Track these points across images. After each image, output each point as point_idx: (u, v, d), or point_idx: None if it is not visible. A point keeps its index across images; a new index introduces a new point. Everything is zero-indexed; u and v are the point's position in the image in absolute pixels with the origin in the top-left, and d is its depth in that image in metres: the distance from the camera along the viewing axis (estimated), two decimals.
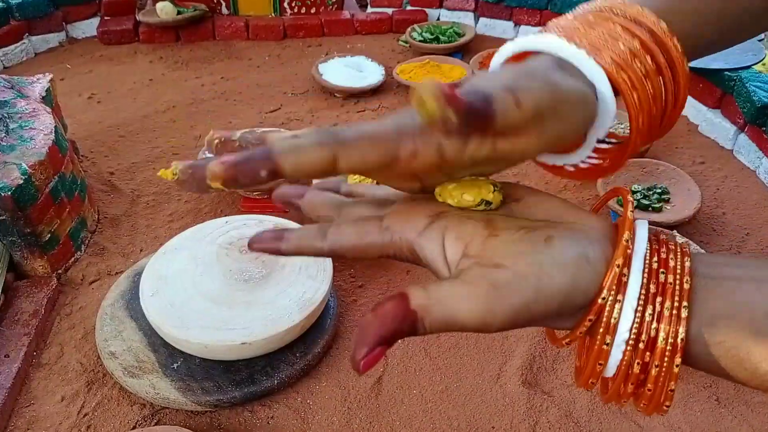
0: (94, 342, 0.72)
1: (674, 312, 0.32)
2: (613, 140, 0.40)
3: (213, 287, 0.70)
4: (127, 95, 1.21)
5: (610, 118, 0.38)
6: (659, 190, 0.92)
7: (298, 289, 0.70)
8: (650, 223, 0.85)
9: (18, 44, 1.33)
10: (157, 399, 0.64)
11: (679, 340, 0.32)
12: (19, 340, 0.70)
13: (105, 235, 0.87)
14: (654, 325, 0.31)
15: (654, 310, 0.32)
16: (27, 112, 0.83)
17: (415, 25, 1.40)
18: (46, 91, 0.89)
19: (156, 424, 0.65)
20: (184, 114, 1.15)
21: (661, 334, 0.32)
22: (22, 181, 0.72)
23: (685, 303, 0.32)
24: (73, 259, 0.82)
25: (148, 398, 0.65)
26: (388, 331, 0.29)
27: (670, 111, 0.40)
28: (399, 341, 0.55)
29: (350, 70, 1.22)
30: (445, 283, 0.31)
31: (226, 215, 0.91)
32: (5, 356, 0.68)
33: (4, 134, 0.79)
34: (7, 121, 0.81)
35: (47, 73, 0.91)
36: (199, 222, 0.88)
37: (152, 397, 0.64)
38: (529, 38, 0.38)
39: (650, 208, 0.89)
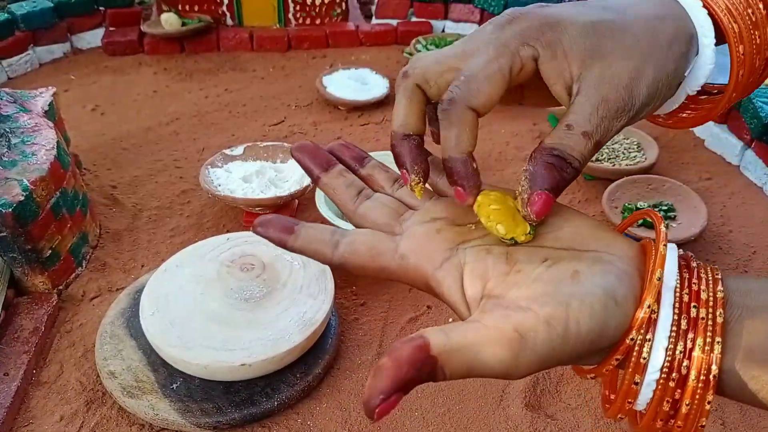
0: (93, 360, 0.72)
1: (707, 348, 0.31)
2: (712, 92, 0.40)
3: (214, 306, 0.69)
4: (131, 107, 1.20)
5: (706, 73, 0.39)
6: (665, 207, 0.91)
7: (299, 308, 0.69)
8: None
9: (23, 55, 1.33)
10: (156, 420, 0.64)
11: (711, 377, 0.31)
12: (19, 358, 0.70)
13: (106, 250, 0.87)
14: (685, 363, 0.31)
15: (685, 347, 0.31)
16: (29, 126, 0.83)
17: (420, 37, 1.40)
18: (49, 105, 0.89)
19: None
20: (188, 126, 1.15)
21: (693, 372, 0.30)
22: (23, 198, 0.72)
23: (718, 338, 0.31)
24: (74, 275, 0.82)
25: (147, 419, 0.64)
26: (405, 377, 0.27)
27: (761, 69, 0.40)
28: None
29: (354, 82, 1.22)
30: (467, 327, 0.30)
31: (228, 230, 0.90)
32: (4, 374, 0.68)
33: (6, 150, 0.78)
34: (9, 136, 0.80)
35: (50, 87, 0.91)
36: (201, 237, 0.88)
37: (151, 418, 0.64)
38: None
39: None
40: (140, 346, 0.70)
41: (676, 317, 0.31)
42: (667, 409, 0.32)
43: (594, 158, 1.01)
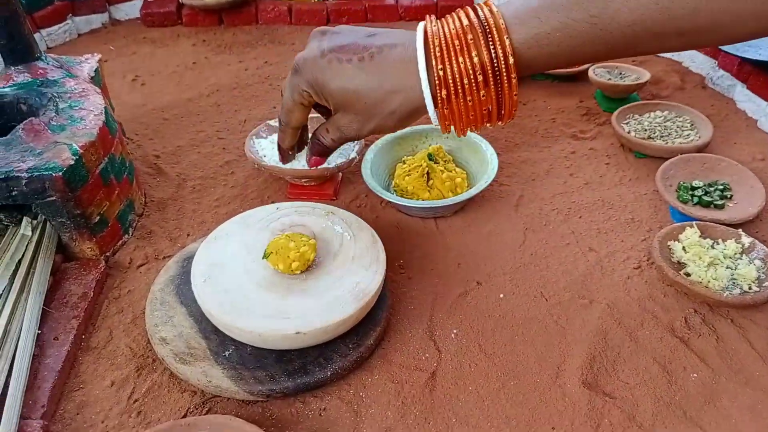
0: (143, 327, 0.71)
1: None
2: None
3: (266, 274, 0.68)
4: (171, 78, 1.19)
5: (434, 116, 0.56)
6: (721, 187, 0.88)
7: (352, 279, 0.68)
8: (713, 221, 0.82)
9: (61, 25, 1.33)
10: (209, 387, 0.63)
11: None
12: (68, 323, 0.69)
13: (152, 218, 0.86)
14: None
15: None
16: (77, 92, 0.82)
17: None
18: (95, 71, 0.88)
19: (207, 412, 0.63)
20: (228, 98, 1.14)
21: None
22: (73, 162, 0.71)
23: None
24: (120, 242, 0.81)
25: (200, 386, 0.63)
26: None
27: (496, 113, 0.56)
28: (453, 337, 0.63)
29: None
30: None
31: (273, 201, 0.89)
32: (54, 339, 0.68)
33: (54, 114, 0.78)
34: (57, 100, 0.80)
35: (95, 54, 0.90)
36: (246, 208, 0.87)
37: (204, 385, 0.63)
38: (418, 31, 0.54)
39: (712, 205, 0.85)
40: (191, 313, 0.69)
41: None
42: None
43: (646, 136, 0.98)
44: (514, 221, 0.87)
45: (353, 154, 0.89)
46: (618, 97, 1.11)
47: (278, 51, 1.31)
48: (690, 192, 0.87)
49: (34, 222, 0.77)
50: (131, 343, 0.70)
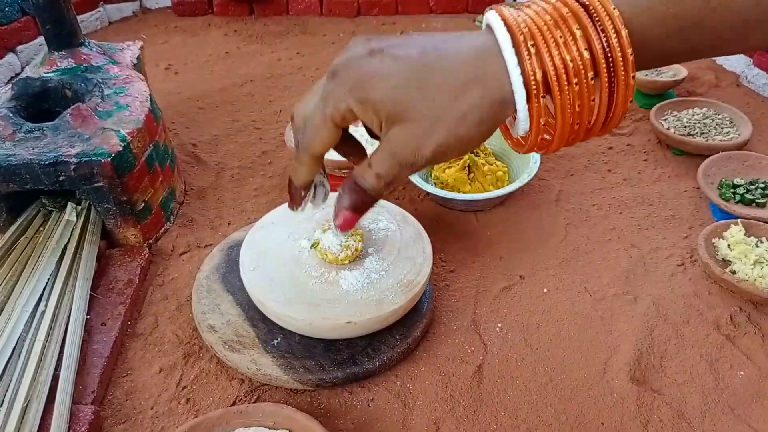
0: (188, 314, 0.72)
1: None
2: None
3: (313, 263, 0.68)
4: (204, 67, 1.19)
5: (521, 130, 0.44)
6: (762, 185, 0.87)
7: (399, 270, 0.67)
8: (755, 219, 0.81)
9: (93, 12, 1.33)
10: (258, 375, 0.63)
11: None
12: (115, 309, 0.70)
13: (192, 206, 0.86)
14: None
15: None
16: (121, 78, 0.82)
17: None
18: (137, 58, 0.88)
19: (256, 400, 0.63)
20: (262, 88, 1.13)
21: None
22: (121, 148, 0.71)
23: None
24: (163, 229, 0.81)
25: (249, 374, 0.63)
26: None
27: (600, 122, 0.45)
28: (498, 330, 0.65)
29: None
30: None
31: None
32: (102, 324, 0.68)
33: (99, 100, 0.78)
34: (102, 86, 0.80)
35: (136, 41, 0.90)
36: (284, 197, 0.87)
37: (253, 373, 0.63)
38: (489, 14, 0.43)
39: (754, 203, 0.84)
40: (237, 301, 0.69)
41: None
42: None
43: (686, 133, 0.98)
44: (555, 216, 0.87)
45: None
46: (655, 94, 1.10)
47: (310, 42, 1.31)
48: (732, 190, 0.86)
49: (79, 208, 0.77)
50: (177, 330, 0.70)
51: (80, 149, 0.70)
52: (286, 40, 1.31)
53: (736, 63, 1.23)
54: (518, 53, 0.41)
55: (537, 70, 0.41)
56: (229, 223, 0.84)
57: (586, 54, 0.41)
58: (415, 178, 0.85)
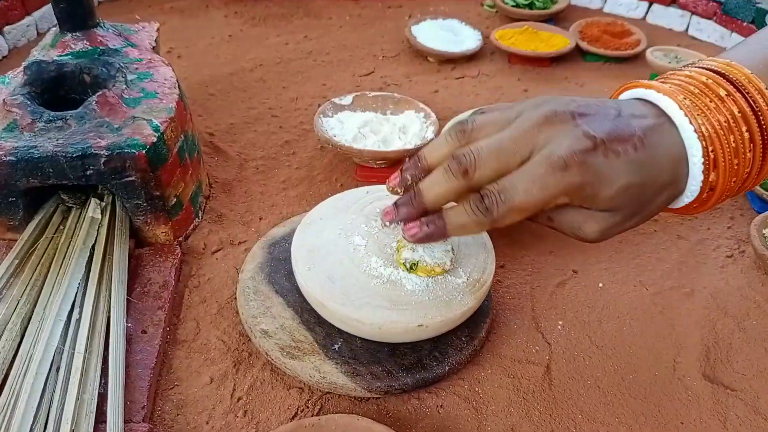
0: (231, 318, 0.67)
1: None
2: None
3: (372, 263, 0.63)
4: (208, 51, 1.13)
5: (692, 193, 0.46)
6: None
7: (463, 268, 0.64)
8: None
9: None
10: (322, 383, 0.59)
11: None
12: (154, 314, 0.64)
13: (219, 201, 0.80)
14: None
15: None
16: (143, 62, 0.76)
17: None
18: (155, 40, 0.81)
19: (320, 410, 0.59)
20: (273, 73, 1.08)
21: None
22: (155, 139, 0.65)
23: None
24: (192, 226, 0.76)
25: (312, 382, 0.59)
26: None
27: (753, 179, 0.47)
28: (559, 328, 0.65)
29: (445, 33, 1.15)
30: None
31: (342, 185, 0.85)
32: (142, 332, 0.62)
33: (124, 86, 0.71)
34: (125, 71, 0.73)
35: (152, 22, 0.83)
36: (314, 190, 0.82)
37: (316, 381, 0.59)
38: (660, 99, 0.46)
39: None
40: (289, 304, 0.65)
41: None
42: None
43: None
44: None
45: (430, 135, 0.84)
46: None
47: (316, 25, 1.25)
48: None
49: (103, 204, 0.70)
50: (222, 335, 0.65)
51: (111, 140, 0.64)
52: (291, 23, 1.25)
53: None
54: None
55: (711, 156, 0.44)
56: (260, 218, 0.79)
57: (738, 115, 0.44)
58: None
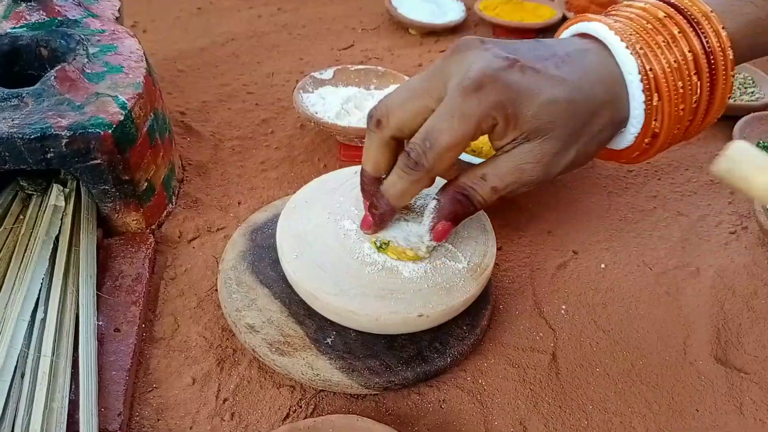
0: (212, 311, 0.61)
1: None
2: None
3: (364, 248, 0.58)
4: (176, 25, 1.05)
5: (628, 141, 0.46)
6: None
7: (463, 252, 0.59)
8: None
9: None
10: (315, 381, 0.54)
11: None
12: (128, 310, 0.58)
13: (194, 184, 0.74)
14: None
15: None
16: (106, 34, 0.69)
17: None
18: (119, 10, 0.75)
19: (314, 410, 0.54)
20: (246, 48, 1.01)
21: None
22: (122, 117, 0.59)
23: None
24: (166, 212, 0.70)
25: (304, 379, 0.54)
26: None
27: (699, 120, 0.48)
28: (563, 313, 0.59)
29: (427, 4, 1.10)
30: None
31: (324, 164, 0.80)
32: (115, 330, 0.57)
33: (86, 60, 0.65)
34: (85, 44, 0.66)
35: None
36: (296, 171, 0.77)
37: (309, 379, 0.54)
38: (593, 26, 0.45)
39: None
40: (276, 295, 0.60)
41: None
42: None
43: None
44: (593, 184, 0.81)
45: None
46: None
47: None
48: None
49: (66, 190, 0.64)
50: (203, 331, 0.60)
51: (73, 120, 0.58)
52: None
53: None
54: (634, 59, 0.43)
55: (650, 76, 0.43)
56: (239, 203, 0.73)
57: (689, 56, 0.43)
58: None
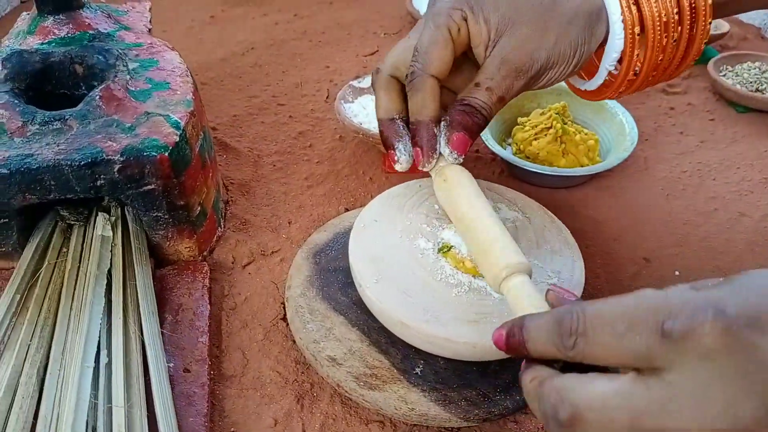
0: (281, 343, 0.57)
1: None
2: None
3: (445, 269, 0.54)
4: (190, 35, 1.00)
5: (617, 47, 0.46)
6: None
7: (551, 267, 0.56)
8: None
9: None
10: (410, 416, 0.50)
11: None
12: (195, 348, 0.54)
13: (240, 205, 0.70)
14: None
15: None
16: (143, 47, 0.64)
17: None
18: (150, 21, 0.70)
19: None
20: (268, 57, 0.96)
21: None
22: (178, 138, 0.54)
23: None
24: (216, 237, 0.65)
25: (397, 414, 0.50)
26: None
27: (678, 61, 0.48)
28: None
29: None
30: None
31: (369, 177, 0.76)
32: (185, 371, 0.52)
33: (128, 77, 0.60)
34: (125, 59, 0.61)
35: (144, 0, 0.71)
36: (341, 186, 0.73)
37: (403, 414, 0.50)
38: None
39: None
40: (353, 323, 0.55)
41: None
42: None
43: (754, 89, 0.91)
44: (650, 187, 0.78)
45: None
46: None
47: (305, 2, 1.14)
48: None
49: (113, 219, 0.59)
50: (275, 365, 0.55)
51: (125, 143, 0.53)
52: (275, 0, 1.13)
53: (753, 15, 1.18)
54: None
55: (634, 10, 0.45)
56: (289, 222, 0.69)
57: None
58: (510, 157, 0.73)
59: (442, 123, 0.47)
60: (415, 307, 0.51)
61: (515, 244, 0.46)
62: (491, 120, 0.48)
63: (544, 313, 0.36)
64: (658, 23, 0.45)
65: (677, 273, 0.66)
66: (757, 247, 0.70)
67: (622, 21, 0.45)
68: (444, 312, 0.51)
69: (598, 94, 0.54)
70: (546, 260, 0.56)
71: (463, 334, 0.49)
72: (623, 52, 0.47)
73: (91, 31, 0.64)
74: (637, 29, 0.45)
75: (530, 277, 0.44)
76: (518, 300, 0.42)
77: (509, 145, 0.80)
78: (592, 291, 0.64)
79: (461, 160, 0.50)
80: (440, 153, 0.49)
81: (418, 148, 0.48)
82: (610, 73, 0.50)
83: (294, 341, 0.57)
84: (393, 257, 0.55)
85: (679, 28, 0.46)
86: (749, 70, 0.95)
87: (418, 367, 0.53)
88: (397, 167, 0.50)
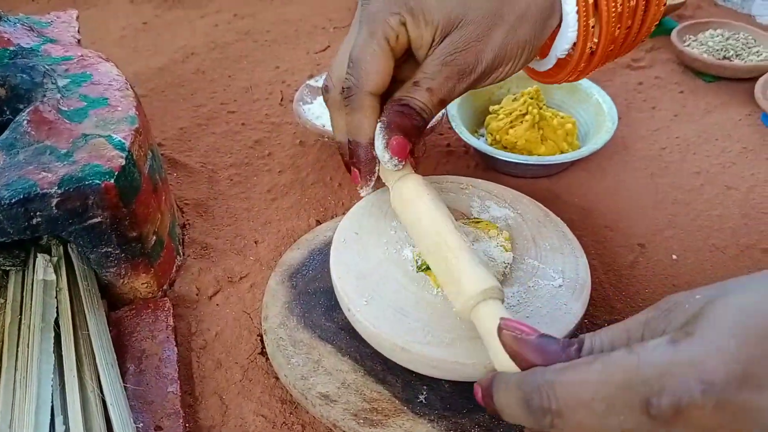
0: (262, 381, 0.51)
1: None
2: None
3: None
4: (123, 44, 0.92)
5: (570, 38, 0.43)
6: None
7: (554, 267, 0.51)
8: None
9: None
10: None
11: None
12: (165, 400, 0.47)
13: (198, 228, 0.63)
14: None
15: None
16: (73, 61, 0.56)
17: None
18: (78, 31, 0.62)
19: None
20: (211, 62, 0.89)
21: None
22: (124, 161, 0.47)
23: None
24: (175, 267, 0.58)
25: None
26: None
27: (632, 39, 0.46)
28: None
29: None
30: None
31: (338, 183, 0.70)
32: (156, 429, 0.45)
33: (58, 95, 0.52)
34: (53, 75, 0.54)
35: (68, 10, 0.64)
36: (308, 195, 0.67)
37: None
38: None
39: None
40: (343, 351, 0.49)
41: None
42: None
43: (721, 56, 0.89)
44: (632, 167, 0.74)
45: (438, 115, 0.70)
46: None
47: (241, 1, 1.06)
48: None
49: (53, 259, 0.52)
50: (259, 408, 0.49)
51: (62, 172, 0.45)
52: (211, 1, 1.05)
53: None
54: None
55: None
56: (256, 242, 0.62)
57: None
58: (486, 148, 0.68)
59: (378, 124, 0.43)
60: (414, 328, 0.46)
61: (482, 266, 0.40)
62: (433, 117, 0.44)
63: (511, 382, 0.33)
64: (613, 7, 0.42)
65: (675, 257, 0.63)
66: (750, 221, 0.67)
67: (576, 12, 0.42)
68: (446, 331, 0.45)
69: (552, 75, 0.50)
70: (547, 260, 0.52)
71: (470, 355, 0.44)
72: (575, 41, 0.44)
73: (11, 48, 0.55)
74: (592, 21, 0.42)
75: (502, 301, 0.39)
76: (488, 337, 0.37)
77: (482, 135, 0.75)
78: (591, 285, 0.60)
79: (401, 166, 0.45)
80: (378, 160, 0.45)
81: (356, 170, 0.46)
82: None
83: (277, 378, 0.50)
84: (381, 273, 0.49)
85: None
86: (713, 37, 0.92)
87: (422, 394, 0.47)
88: (362, 193, 0.48)
